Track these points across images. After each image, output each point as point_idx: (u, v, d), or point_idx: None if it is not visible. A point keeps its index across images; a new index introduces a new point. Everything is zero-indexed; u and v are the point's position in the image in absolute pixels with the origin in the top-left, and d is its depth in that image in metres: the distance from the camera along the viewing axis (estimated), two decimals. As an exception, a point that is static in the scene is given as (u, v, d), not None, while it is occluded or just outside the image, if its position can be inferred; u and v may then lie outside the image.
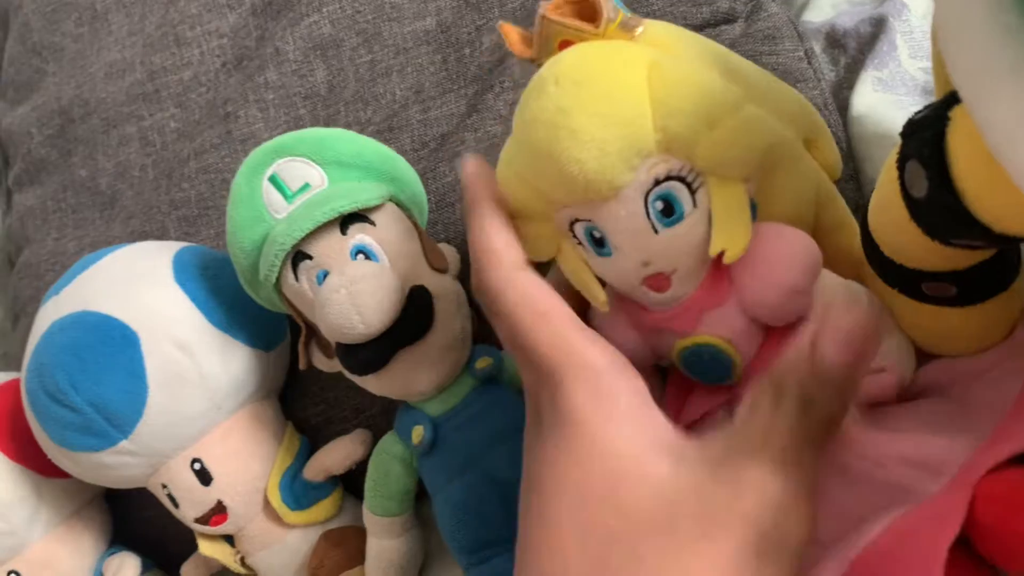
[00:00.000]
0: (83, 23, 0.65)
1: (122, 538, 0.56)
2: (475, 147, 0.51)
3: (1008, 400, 0.27)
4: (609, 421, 0.27)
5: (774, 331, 0.33)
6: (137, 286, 0.45)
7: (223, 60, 0.59)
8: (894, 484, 0.29)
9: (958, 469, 0.26)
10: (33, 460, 0.48)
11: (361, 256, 0.41)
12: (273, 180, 0.42)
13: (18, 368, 0.47)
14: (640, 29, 0.33)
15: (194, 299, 0.45)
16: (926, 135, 0.24)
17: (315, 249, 0.41)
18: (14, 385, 0.48)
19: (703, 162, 0.30)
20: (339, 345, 0.41)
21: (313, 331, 0.43)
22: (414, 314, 0.41)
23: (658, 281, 0.32)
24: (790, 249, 0.31)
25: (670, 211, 0.30)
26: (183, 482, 0.45)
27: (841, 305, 0.26)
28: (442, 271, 0.43)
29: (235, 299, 0.46)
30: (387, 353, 0.41)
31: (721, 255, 0.30)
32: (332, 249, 0.41)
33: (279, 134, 0.55)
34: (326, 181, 0.42)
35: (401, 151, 0.50)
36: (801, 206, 0.35)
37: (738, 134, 0.30)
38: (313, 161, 0.43)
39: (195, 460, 0.45)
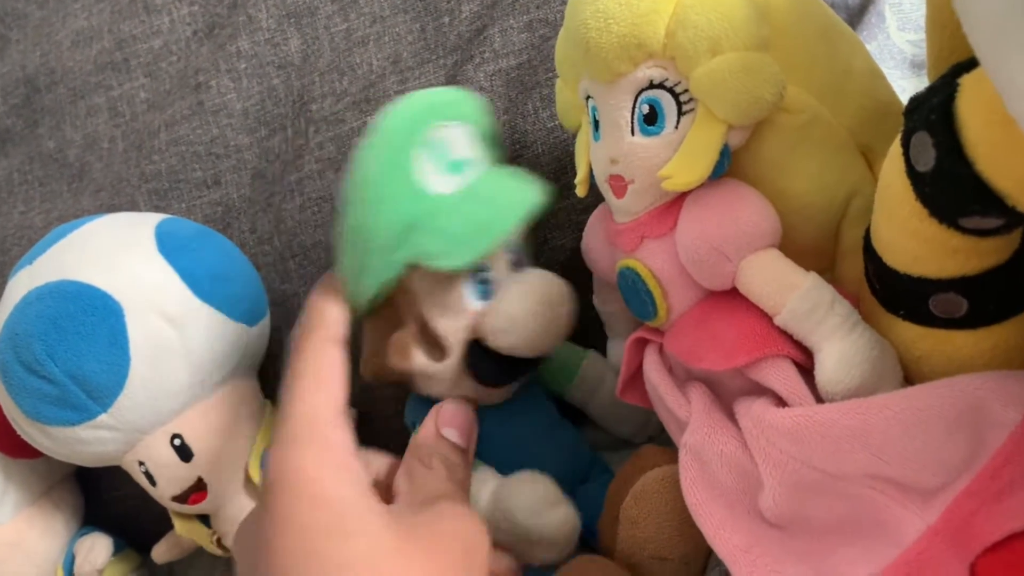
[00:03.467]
0: (48, -11, 0.63)
1: (94, 518, 0.55)
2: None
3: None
4: (338, 483, 0.32)
5: (709, 297, 0.34)
6: (120, 256, 0.43)
7: (194, 28, 0.58)
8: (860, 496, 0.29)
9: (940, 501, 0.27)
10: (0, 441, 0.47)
11: (511, 255, 0.39)
12: (433, 146, 0.36)
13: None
14: None
15: (179, 270, 0.43)
16: (933, 102, 0.23)
17: None
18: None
19: (695, 86, 0.31)
20: (483, 353, 0.39)
21: (421, 328, 0.39)
22: None
23: (617, 183, 0.34)
24: (736, 209, 0.31)
25: (653, 119, 0.32)
26: (162, 458, 0.44)
27: (448, 403, 0.38)
28: None
29: (219, 272, 0.45)
30: (531, 368, 0.40)
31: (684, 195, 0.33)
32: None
33: (252, 105, 0.54)
34: (483, 159, 0.38)
35: (378, 124, 0.49)
36: (819, 197, 0.33)
37: (733, 72, 0.30)
38: (472, 129, 0.38)
39: (175, 436, 0.44)
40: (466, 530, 0.33)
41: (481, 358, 0.38)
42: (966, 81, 0.23)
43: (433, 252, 0.35)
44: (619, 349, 0.42)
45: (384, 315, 0.39)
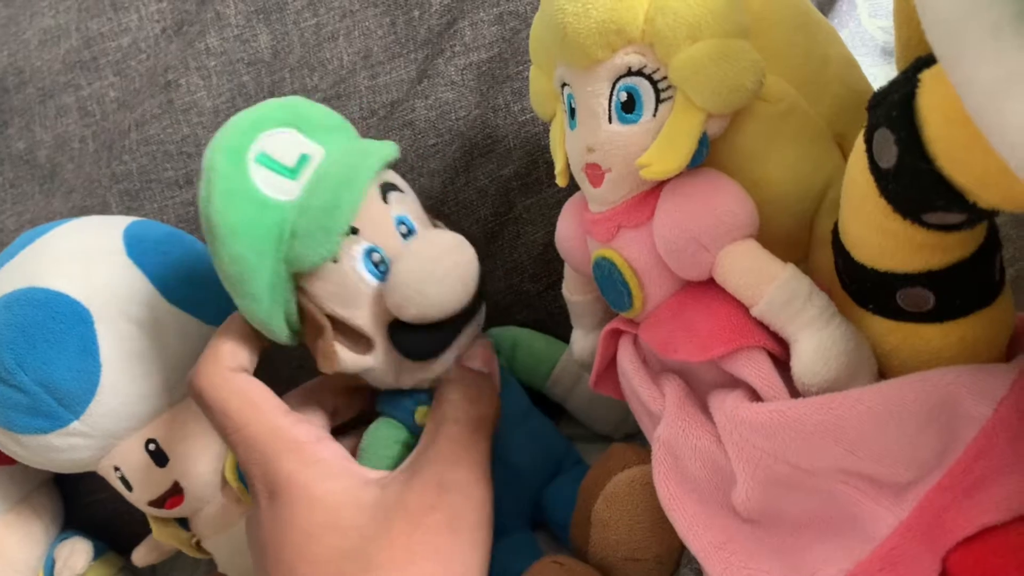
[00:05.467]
0: (13, -13, 0.62)
1: (74, 522, 0.55)
2: (426, 115, 0.49)
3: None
4: (321, 479, 0.35)
5: (685, 288, 0.33)
6: (88, 261, 0.43)
7: (162, 25, 0.57)
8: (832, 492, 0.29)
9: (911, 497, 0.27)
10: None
11: (403, 228, 0.38)
12: (262, 160, 0.36)
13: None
14: None
15: (148, 274, 0.43)
16: (894, 98, 0.23)
17: (361, 221, 0.37)
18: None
19: (674, 73, 0.30)
20: (403, 330, 0.38)
21: (338, 327, 0.38)
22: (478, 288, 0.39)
23: (594, 172, 0.33)
24: (714, 199, 0.31)
25: (630, 107, 0.31)
26: (137, 464, 0.44)
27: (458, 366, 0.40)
28: None
29: (189, 274, 0.45)
30: (458, 331, 0.39)
31: (661, 184, 0.32)
32: (379, 221, 0.37)
33: (222, 103, 0.54)
34: (322, 149, 0.38)
35: (350, 119, 0.48)
36: (796, 186, 0.33)
37: (713, 59, 0.29)
38: (298, 130, 0.38)
39: (149, 441, 0.44)
40: (456, 504, 0.35)
41: (403, 336, 0.38)
42: (926, 77, 0.22)
43: (297, 257, 0.36)
44: (582, 340, 0.41)
45: (309, 326, 0.38)
